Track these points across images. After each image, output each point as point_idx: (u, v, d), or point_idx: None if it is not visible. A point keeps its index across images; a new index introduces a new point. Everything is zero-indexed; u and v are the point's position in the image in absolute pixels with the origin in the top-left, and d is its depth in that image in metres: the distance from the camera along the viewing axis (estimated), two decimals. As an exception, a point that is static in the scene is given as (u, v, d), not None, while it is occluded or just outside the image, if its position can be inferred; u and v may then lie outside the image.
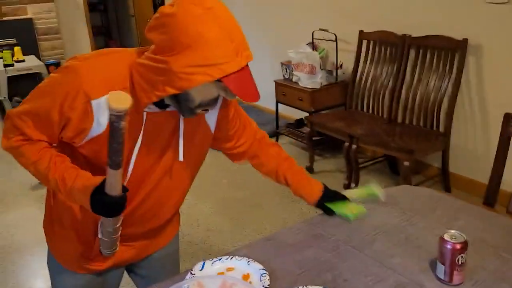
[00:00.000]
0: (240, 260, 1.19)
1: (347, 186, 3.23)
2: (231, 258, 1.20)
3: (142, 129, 1.08)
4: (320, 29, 3.73)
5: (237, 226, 2.89)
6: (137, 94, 1.01)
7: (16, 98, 5.12)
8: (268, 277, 1.12)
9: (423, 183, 3.18)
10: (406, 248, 1.23)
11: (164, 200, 1.22)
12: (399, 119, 3.27)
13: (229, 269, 1.17)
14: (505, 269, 1.13)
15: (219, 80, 0.94)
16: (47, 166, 1.07)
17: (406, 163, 2.78)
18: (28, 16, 6.06)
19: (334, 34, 3.62)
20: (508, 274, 1.11)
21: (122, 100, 0.89)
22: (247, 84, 0.97)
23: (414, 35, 3.14)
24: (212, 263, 1.18)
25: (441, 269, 1.09)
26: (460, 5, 2.89)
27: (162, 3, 6.40)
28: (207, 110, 1.06)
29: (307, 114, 3.98)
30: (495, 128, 2.85)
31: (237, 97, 1.00)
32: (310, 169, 3.56)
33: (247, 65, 0.97)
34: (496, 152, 1.56)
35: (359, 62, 3.55)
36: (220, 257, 1.21)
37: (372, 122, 3.32)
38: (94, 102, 1.00)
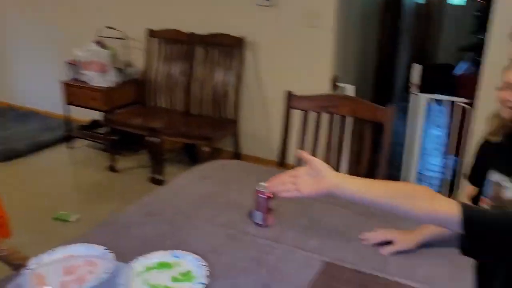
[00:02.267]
0: (77, 246, 1.20)
1: (154, 180, 3.33)
2: (67, 247, 1.20)
3: None
4: (107, 27, 3.71)
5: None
6: None
7: None
8: (114, 254, 1.16)
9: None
10: (228, 209, 1.44)
11: None
12: (194, 111, 3.54)
13: (67, 257, 1.17)
14: (301, 209, 1.44)
15: None
16: None
17: (206, 149, 3.05)
18: None
19: (122, 32, 3.66)
20: (304, 212, 1.42)
21: None
22: None
23: (199, 33, 3.43)
24: (49, 254, 1.16)
25: (258, 215, 1.33)
26: (237, 6, 3.31)
27: None
28: None
29: (100, 115, 3.91)
30: (275, 113, 3.38)
31: None
32: (112, 169, 3.52)
33: None
34: (283, 123, 1.91)
35: (150, 60, 3.68)
36: (55, 248, 1.19)
37: (170, 115, 3.50)
38: None
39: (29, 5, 4.34)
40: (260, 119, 3.48)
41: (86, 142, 3.98)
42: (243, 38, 3.29)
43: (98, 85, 3.58)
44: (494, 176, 1.20)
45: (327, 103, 1.77)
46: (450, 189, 2.99)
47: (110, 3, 3.87)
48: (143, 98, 3.74)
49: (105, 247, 1.18)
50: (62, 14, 4.17)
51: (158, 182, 3.32)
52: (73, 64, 3.75)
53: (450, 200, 0.89)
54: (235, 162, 1.89)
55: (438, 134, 3.52)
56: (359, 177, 0.96)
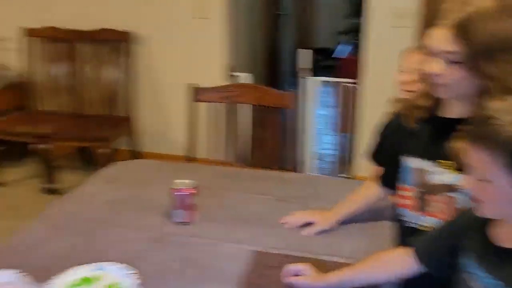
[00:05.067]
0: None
1: (48, 190, 3.09)
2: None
3: None
4: (-29, 27, 3.30)
5: None
6: None
7: None
8: (30, 277, 1.07)
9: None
10: (144, 211, 1.39)
11: None
12: (84, 112, 3.33)
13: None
14: (221, 202, 1.45)
15: None
16: None
17: (102, 151, 2.91)
18: None
19: (-9, 32, 3.29)
20: (225, 204, 1.43)
21: None
22: None
23: (83, 29, 3.22)
24: None
25: (178, 213, 1.30)
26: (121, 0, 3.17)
27: None
28: None
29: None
30: (172, 107, 3.32)
31: None
32: (-2, 183, 3.19)
33: None
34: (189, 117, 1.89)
35: (29, 61, 3.36)
36: None
37: (59, 119, 3.24)
38: None
39: None
40: (157, 115, 3.40)
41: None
42: (128, 32, 3.17)
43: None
44: (414, 162, 1.16)
45: (230, 93, 1.79)
46: (344, 163, 3.23)
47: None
48: (25, 103, 3.42)
49: (17, 271, 1.08)
50: None
51: (53, 192, 3.09)
52: None
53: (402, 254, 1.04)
54: (141, 161, 1.83)
55: (327, 114, 3.76)
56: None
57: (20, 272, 1.08)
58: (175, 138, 3.34)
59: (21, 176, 3.35)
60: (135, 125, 3.35)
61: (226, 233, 1.28)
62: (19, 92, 3.44)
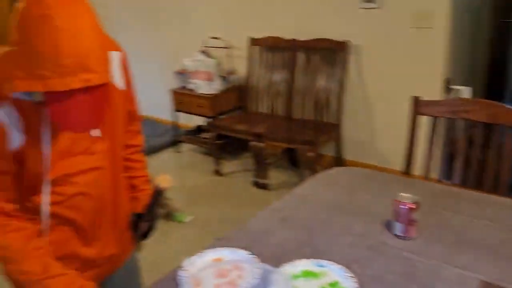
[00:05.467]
0: (224, 250, 1.25)
1: (257, 183, 3.40)
2: (215, 250, 1.25)
3: (44, 117, 0.99)
4: (212, 37, 3.86)
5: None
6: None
7: None
8: (258, 259, 1.20)
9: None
10: (361, 218, 1.42)
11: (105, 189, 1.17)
12: (296, 116, 3.56)
13: (216, 260, 1.22)
14: (442, 222, 1.37)
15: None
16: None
17: (311, 154, 3.05)
18: None
19: (225, 41, 3.78)
20: (446, 225, 1.36)
21: (167, 181, 1.26)
22: (73, 111, 0.89)
23: (301, 39, 3.45)
24: (199, 257, 1.22)
25: (398, 226, 1.29)
26: (339, 10, 3.27)
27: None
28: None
29: (203, 121, 4.08)
30: (378, 117, 3.29)
31: None
32: (218, 172, 3.65)
33: (85, 90, 0.88)
34: (409, 130, 1.84)
35: (251, 67, 3.76)
36: (203, 251, 1.25)
37: (272, 121, 3.55)
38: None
39: (141, 18, 4.65)
40: (364, 124, 3.41)
41: (191, 146, 4.17)
42: (346, 42, 3.25)
43: (204, 92, 3.74)
44: None
45: (458, 108, 1.68)
46: None
47: (215, 14, 4.03)
48: (245, 104, 3.84)
49: (249, 252, 1.22)
50: (172, 27, 4.42)
51: (262, 186, 3.38)
52: (182, 73, 3.95)
53: None
54: (356, 169, 1.85)
55: None
56: None
57: (251, 254, 1.22)
58: (381, 149, 3.30)
59: (237, 168, 3.77)
60: (342, 132, 3.43)
61: (448, 255, 1.20)
62: (241, 94, 3.88)
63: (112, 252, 1.25)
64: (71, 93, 0.86)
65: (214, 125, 3.61)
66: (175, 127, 4.10)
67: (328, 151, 3.56)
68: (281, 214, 1.46)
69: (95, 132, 1.10)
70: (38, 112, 0.98)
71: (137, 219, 1.31)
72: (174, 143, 4.19)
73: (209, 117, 3.80)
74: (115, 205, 1.23)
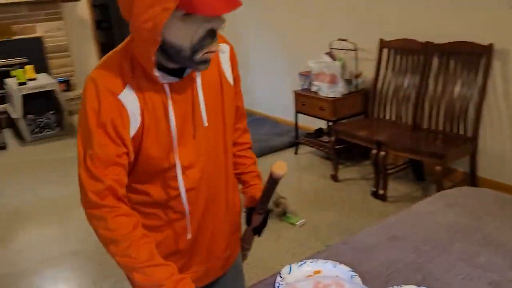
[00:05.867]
0: (326, 263, 1.19)
1: (375, 194, 3.23)
2: (316, 261, 1.19)
3: (170, 102, 1.04)
4: (339, 39, 3.77)
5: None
6: (144, 69, 1.00)
7: (29, 116, 5.10)
8: (359, 278, 1.11)
9: (450, 188, 3.19)
10: (488, 248, 1.23)
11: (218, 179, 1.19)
12: (424, 125, 3.30)
13: (316, 272, 1.17)
14: None
15: (188, 14, 0.90)
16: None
17: (438, 168, 2.79)
18: (37, 34, 6.07)
19: (353, 43, 3.66)
20: None
21: (282, 167, 1.17)
22: None
23: (437, 41, 3.18)
24: (299, 267, 1.18)
25: (534, 265, 1.09)
26: (483, 11, 2.93)
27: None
28: (208, 53, 0.98)
29: (324, 124, 4.01)
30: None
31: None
32: (334, 178, 3.56)
33: None
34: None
35: (379, 70, 3.58)
36: (305, 261, 1.20)
37: (397, 128, 3.34)
38: (120, 97, 1.00)
39: (269, 19, 4.76)
40: (507, 140, 3.01)
41: (310, 149, 4.13)
42: (490, 46, 2.90)
43: (326, 95, 3.67)
44: None
45: None
46: None
47: (342, 14, 3.93)
48: (368, 109, 3.68)
49: (350, 269, 1.14)
50: (298, 28, 4.44)
51: (380, 197, 3.21)
52: (306, 75, 3.94)
53: None
54: (487, 190, 1.63)
55: None
56: None
57: (352, 271, 1.14)
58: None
59: (355, 175, 3.63)
60: (478, 147, 3.08)
61: None
62: (365, 98, 3.73)
63: (221, 250, 1.27)
64: None
65: (334, 129, 3.52)
66: (296, 128, 4.11)
67: (460, 166, 3.22)
68: (393, 231, 1.35)
69: (204, 122, 1.10)
70: (160, 96, 1.03)
71: (250, 212, 1.30)
72: (293, 144, 4.20)
73: (330, 121, 3.72)
74: (226, 200, 1.24)
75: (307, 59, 3.86)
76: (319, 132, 4.13)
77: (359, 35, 3.72)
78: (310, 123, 4.20)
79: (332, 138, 3.54)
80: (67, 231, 3.10)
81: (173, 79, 1.04)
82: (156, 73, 0.99)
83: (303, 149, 4.19)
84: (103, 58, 1.05)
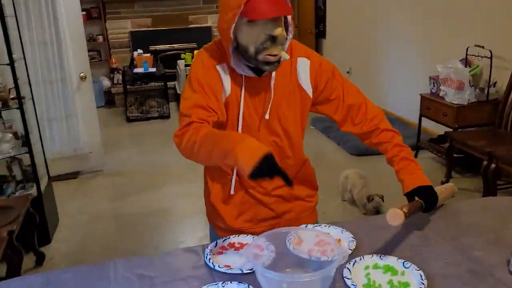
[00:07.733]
0: (336, 228, 1.42)
1: (482, 207, 3.12)
2: (329, 226, 1.44)
3: (243, 91, 1.32)
4: (476, 45, 3.65)
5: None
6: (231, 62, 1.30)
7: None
8: (355, 243, 1.33)
9: None
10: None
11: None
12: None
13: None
14: None
15: (251, 21, 1.20)
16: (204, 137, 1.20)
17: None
18: (208, 24, 7.02)
19: (490, 50, 3.51)
20: None
21: (397, 218, 1.21)
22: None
23: None
24: (313, 227, 1.44)
25: (516, 264, 1.17)
26: None
27: (324, 12, 6.77)
28: (270, 56, 1.23)
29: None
30: None
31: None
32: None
33: None
34: None
35: (513, 80, 3.39)
36: (320, 224, 1.46)
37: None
38: (218, 68, 1.31)
39: (403, 20, 4.75)
40: None
41: (431, 154, 4.08)
42: None
43: (451, 101, 3.61)
44: None
45: None
46: None
47: (481, 20, 3.77)
48: (497, 120, 3.50)
49: (352, 236, 1.35)
50: (433, 31, 4.36)
51: (486, 212, 3.09)
52: (435, 79, 3.90)
53: None
54: None
55: None
56: None
57: (353, 238, 1.35)
58: None
59: (468, 186, 3.52)
60: None
61: None
62: (495, 109, 3.54)
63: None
64: None
65: (449, 135, 3.47)
66: (419, 132, 4.09)
67: None
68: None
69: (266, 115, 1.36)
70: (239, 84, 1.33)
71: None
72: (414, 148, 4.19)
73: (451, 128, 3.65)
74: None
75: (439, 63, 3.82)
76: (442, 138, 4.04)
77: (497, 42, 3.55)
78: (437, 128, 4.13)
79: (447, 145, 3.49)
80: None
81: (251, 73, 1.33)
82: (233, 64, 1.31)
83: (424, 153, 4.15)
84: (205, 45, 1.40)
